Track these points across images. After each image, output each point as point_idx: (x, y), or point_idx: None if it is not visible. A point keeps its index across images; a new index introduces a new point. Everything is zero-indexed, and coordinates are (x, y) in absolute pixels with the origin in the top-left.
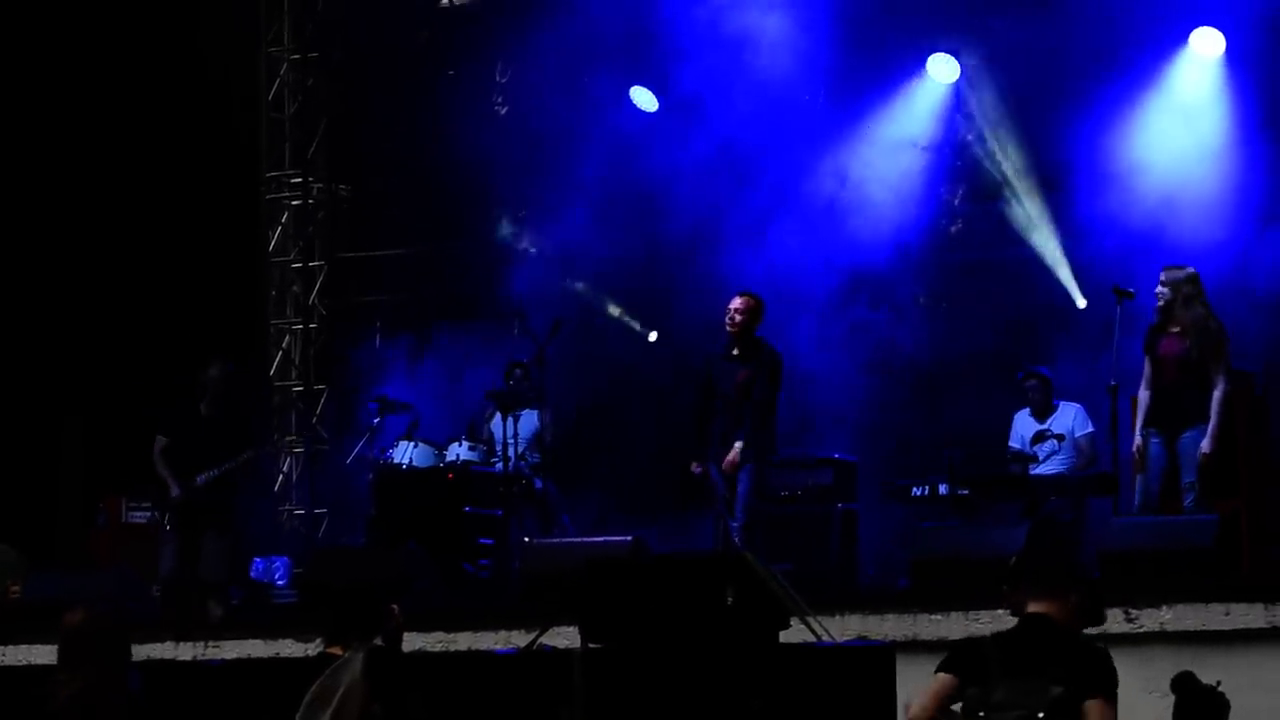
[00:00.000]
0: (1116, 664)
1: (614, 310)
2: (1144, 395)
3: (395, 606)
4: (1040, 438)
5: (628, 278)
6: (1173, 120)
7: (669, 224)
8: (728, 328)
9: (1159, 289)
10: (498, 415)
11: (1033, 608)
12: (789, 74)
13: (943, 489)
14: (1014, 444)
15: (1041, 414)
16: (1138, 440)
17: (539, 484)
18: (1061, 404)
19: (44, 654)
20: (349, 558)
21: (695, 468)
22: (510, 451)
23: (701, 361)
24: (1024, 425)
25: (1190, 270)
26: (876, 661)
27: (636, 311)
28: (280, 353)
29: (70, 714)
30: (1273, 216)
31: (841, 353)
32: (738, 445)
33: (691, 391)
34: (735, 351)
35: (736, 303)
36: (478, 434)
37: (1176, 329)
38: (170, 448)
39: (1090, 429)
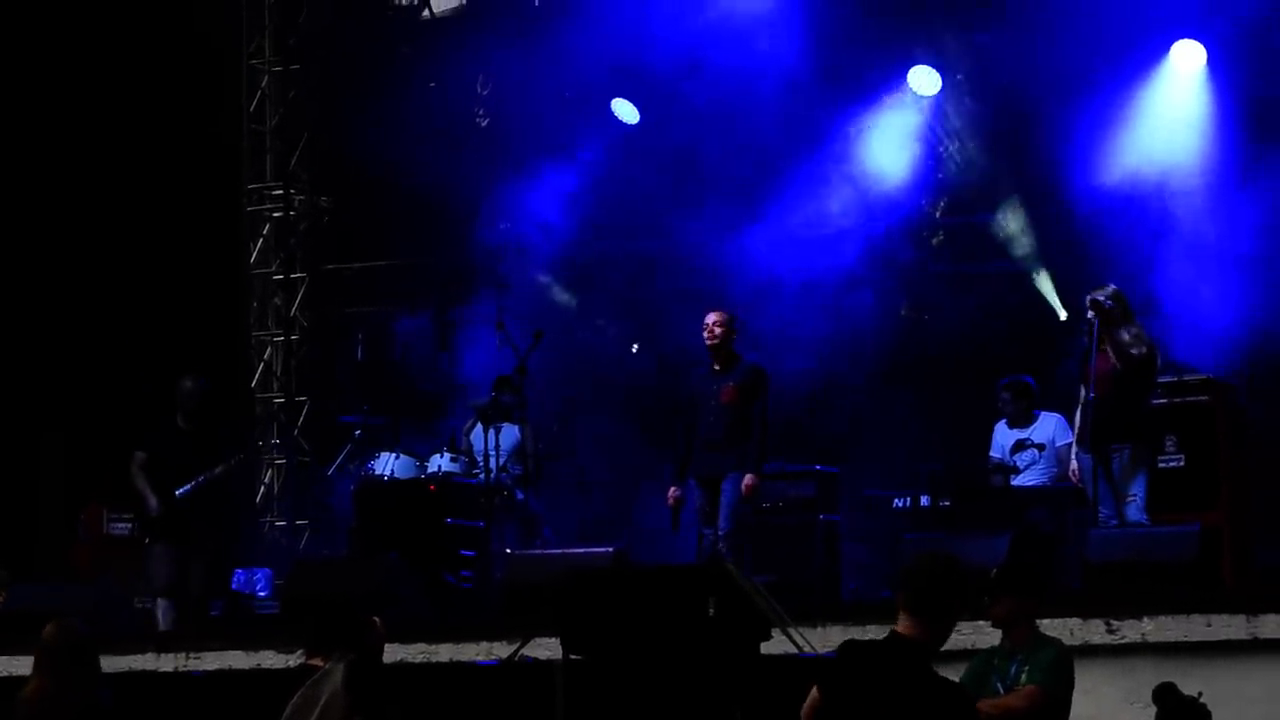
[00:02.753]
0: (1099, 675)
1: (596, 321)
2: (1079, 417)
3: (377, 619)
4: (1020, 446)
5: (610, 290)
6: (1155, 132)
7: (649, 236)
8: (707, 342)
9: (1088, 312)
10: (478, 427)
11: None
12: (770, 86)
13: (924, 500)
14: (995, 454)
15: (1019, 423)
16: (1074, 465)
17: (520, 495)
18: (1042, 414)
19: (24, 665)
20: (330, 569)
21: (672, 494)
22: (492, 463)
23: (685, 382)
24: (1003, 435)
25: (1113, 288)
26: None
27: (618, 323)
28: (262, 365)
29: (22, 715)
30: (1254, 226)
31: (823, 364)
32: (749, 476)
33: (674, 405)
34: (716, 367)
35: (712, 318)
36: (459, 445)
37: (1104, 347)
38: (149, 462)
39: (1070, 439)
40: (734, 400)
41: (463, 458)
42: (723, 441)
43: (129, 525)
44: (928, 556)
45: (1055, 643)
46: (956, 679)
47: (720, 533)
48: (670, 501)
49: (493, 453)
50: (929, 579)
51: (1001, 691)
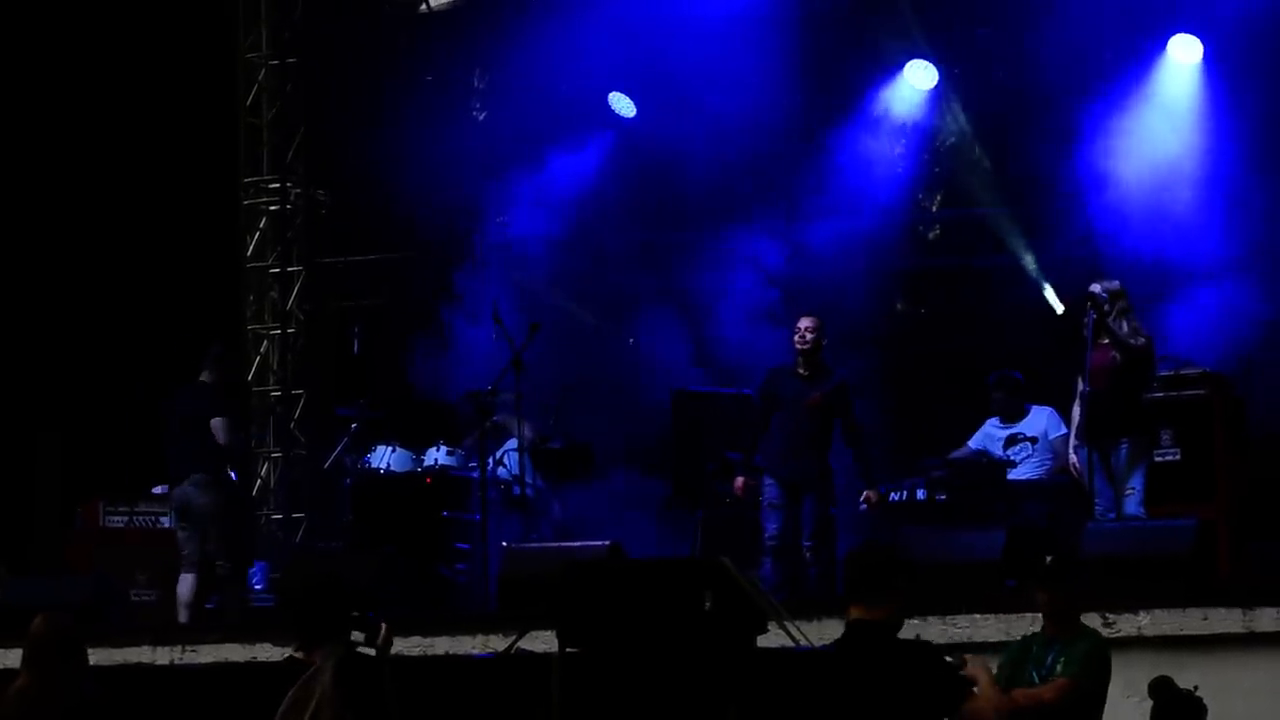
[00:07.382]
0: None
1: (592, 315)
2: (1077, 410)
3: (384, 624)
4: (1012, 441)
5: (607, 284)
6: (1152, 127)
7: (646, 230)
8: (798, 346)
9: (1087, 304)
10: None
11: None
12: (767, 79)
13: (920, 494)
14: (973, 444)
15: (1010, 417)
16: (1073, 458)
17: (516, 489)
18: (1033, 407)
19: (19, 658)
20: (325, 562)
21: (739, 482)
22: (488, 456)
23: (765, 375)
24: (995, 430)
25: (1115, 283)
26: None
27: (613, 317)
28: (258, 358)
29: (10, 710)
30: (1251, 220)
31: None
32: (869, 492)
33: (669, 397)
34: (804, 371)
35: (806, 322)
36: (455, 439)
37: (1106, 341)
38: (230, 425)
39: (1064, 431)
40: (820, 409)
41: (459, 451)
42: (806, 448)
43: (124, 519)
44: (860, 549)
45: (1093, 634)
46: (994, 667)
47: (806, 546)
48: (739, 491)
49: (489, 446)
50: (863, 567)
51: (1037, 681)
